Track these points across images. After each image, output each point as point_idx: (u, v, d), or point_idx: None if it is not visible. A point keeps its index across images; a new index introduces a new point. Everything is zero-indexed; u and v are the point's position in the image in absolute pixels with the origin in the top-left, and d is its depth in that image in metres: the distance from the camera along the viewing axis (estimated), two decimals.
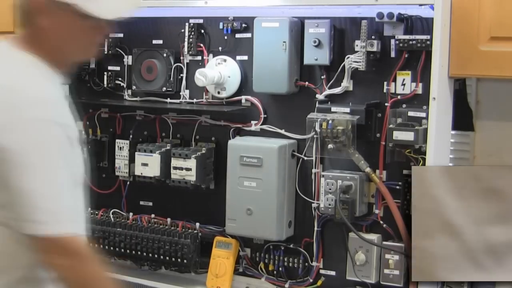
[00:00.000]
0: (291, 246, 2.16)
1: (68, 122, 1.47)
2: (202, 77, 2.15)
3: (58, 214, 1.43)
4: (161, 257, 2.26)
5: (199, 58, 2.26)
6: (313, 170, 2.11)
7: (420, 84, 1.95)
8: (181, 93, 2.29)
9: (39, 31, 1.50)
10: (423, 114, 1.93)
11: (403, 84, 1.97)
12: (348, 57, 2.02)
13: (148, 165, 2.25)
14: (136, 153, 2.28)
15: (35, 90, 1.45)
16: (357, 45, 2.00)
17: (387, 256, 1.99)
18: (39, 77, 1.49)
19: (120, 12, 1.53)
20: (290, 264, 2.16)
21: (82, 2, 1.46)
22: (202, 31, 2.25)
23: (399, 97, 1.98)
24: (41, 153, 1.41)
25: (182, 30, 2.26)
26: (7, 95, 1.43)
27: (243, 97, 2.20)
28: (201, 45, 2.25)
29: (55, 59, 1.53)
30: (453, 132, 2.07)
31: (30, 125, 1.41)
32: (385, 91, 2.00)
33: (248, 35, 2.18)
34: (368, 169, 2.00)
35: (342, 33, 2.05)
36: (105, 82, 2.39)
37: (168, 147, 2.26)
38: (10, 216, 1.43)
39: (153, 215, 2.35)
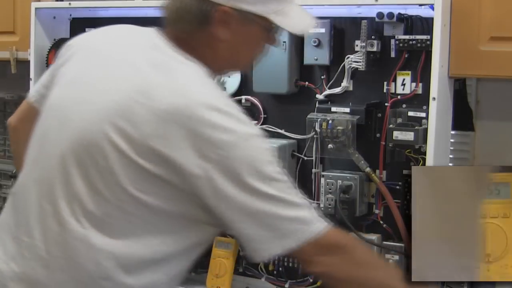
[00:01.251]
0: None
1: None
2: None
3: (301, 217, 1.33)
4: None
5: None
6: (313, 170, 2.11)
7: (420, 84, 1.95)
8: None
9: (212, 40, 1.38)
10: (423, 114, 1.93)
11: (403, 84, 1.97)
12: (348, 57, 2.02)
13: None
14: None
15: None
16: (357, 45, 2.00)
17: (387, 256, 1.99)
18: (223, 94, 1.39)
19: (307, 26, 1.49)
20: (290, 264, 2.15)
21: (276, 15, 1.38)
22: None
23: (399, 97, 1.98)
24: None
25: None
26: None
27: (243, 97, 2.20)
28: None
29: (216, 68, 1.42)
30: (453, 132, 2.06)
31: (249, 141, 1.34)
32: (385, 91, 2.00)
33: None
34: (368, 169, 2.00)
35: (342, 33, 2.05)
36: None
37: None
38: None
39: None
